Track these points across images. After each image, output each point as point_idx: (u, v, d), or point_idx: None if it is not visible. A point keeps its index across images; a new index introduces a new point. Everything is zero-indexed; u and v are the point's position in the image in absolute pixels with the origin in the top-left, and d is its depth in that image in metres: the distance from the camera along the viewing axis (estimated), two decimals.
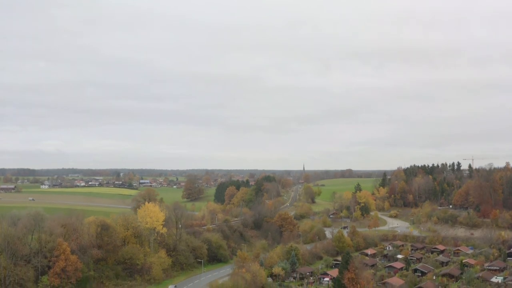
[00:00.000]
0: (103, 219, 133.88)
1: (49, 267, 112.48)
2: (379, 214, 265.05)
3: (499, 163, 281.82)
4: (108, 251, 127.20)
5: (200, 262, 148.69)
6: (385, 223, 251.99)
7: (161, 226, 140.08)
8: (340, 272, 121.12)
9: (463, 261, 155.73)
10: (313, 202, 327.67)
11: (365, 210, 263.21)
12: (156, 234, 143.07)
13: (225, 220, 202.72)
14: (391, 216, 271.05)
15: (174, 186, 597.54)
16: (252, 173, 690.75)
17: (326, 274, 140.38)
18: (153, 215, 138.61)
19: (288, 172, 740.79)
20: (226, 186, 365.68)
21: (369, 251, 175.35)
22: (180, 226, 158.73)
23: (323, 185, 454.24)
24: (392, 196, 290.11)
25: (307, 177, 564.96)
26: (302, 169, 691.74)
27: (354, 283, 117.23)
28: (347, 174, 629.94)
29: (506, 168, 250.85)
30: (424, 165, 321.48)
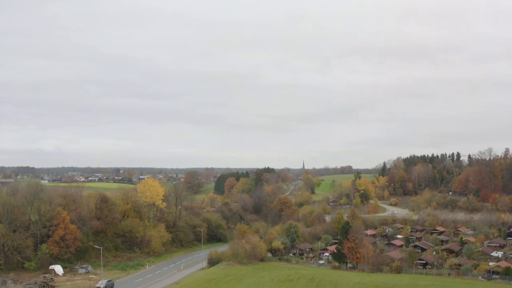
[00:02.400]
0: (103, 192, 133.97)
1: (48, 236, 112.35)
2: (379, 203, 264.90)
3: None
4: (108, 223, 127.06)
5: (200, 240, 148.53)
6: (384, 210, 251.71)
7: (161, 200, 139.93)
8: (340, 242, 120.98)
9: (463, 239, 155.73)
10: (313, 192, 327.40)
11: (364, 197, 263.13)
12: (155, 209, 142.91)
13: (224, 203, 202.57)
14: (390, 204, 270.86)
15: (174, 182, 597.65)
16: (251, 171, 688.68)
17: (325, 250, 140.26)
18: (153, 190, 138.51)
19: (287, 170, 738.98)
20: (226, 177, 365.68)
21: (369, 232, 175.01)
22: (180, 205, 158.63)
23: (323, 180, 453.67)
24: (392, 185, 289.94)
25: (307, 173, 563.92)
26: (301, 167, 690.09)
27: (354, 253, 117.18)
28: (346, 170, 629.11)
29: (506, 154, 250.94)
30: (424, 155, 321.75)
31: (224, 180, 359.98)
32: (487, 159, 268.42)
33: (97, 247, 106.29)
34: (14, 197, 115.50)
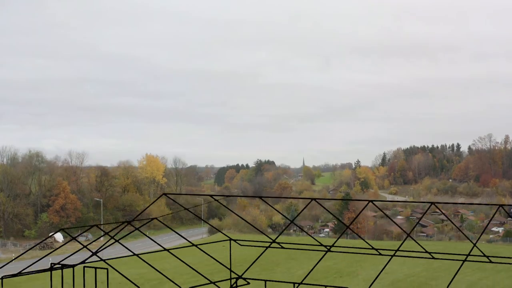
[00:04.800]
0: (103, 166, 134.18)
1: (49, 206, 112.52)
2: (379, 192, 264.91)
3: None
4: (108, 196, 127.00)
5: (200, 219, 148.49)
6: (384, 199, 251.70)
7: (161, 176, 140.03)
8: (340, 213, 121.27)
9: (464, 217, 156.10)
10: (313, 184, 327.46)
11: (364, 185, 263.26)
12: (156, 185, 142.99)
13: (225, 187, 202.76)
14: (390, 193, 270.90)
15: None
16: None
17: (326, 226, 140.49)
18: (153, 165, 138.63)
19: (287, 168, 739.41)
20: (226, 170, 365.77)
21: (369, 213, 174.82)
22: (180, 184, 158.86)
23: (323, 176, 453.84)
24: (392, 174, 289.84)
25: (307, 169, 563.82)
26: (301, 166, 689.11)
27: (354, 223, 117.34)
28: (346, 167, 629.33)
29: (506, 141, 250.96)
30: (424, 146, 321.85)
31: (224, 172, 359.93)
32: (487, 145, 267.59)
33: (98, 198, 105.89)
34: (14, 168, 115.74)
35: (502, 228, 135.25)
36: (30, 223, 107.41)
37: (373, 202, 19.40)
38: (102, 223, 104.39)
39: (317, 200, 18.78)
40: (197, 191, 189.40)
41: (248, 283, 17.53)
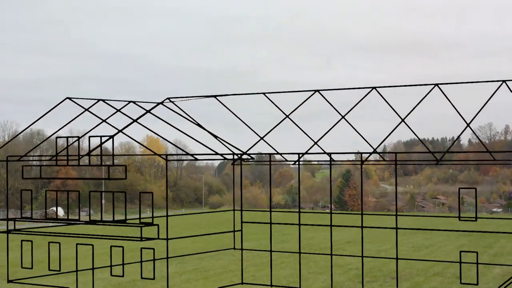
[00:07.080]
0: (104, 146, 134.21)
1: (49, 182, 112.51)
2: (380, 184, 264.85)
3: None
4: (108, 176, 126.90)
5: (201, 203, 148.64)
6: (385, 190, 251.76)
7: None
8: (341, 190, 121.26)
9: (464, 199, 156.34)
10: (313, 176, 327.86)
11: (365, 175, 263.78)
12: (156, 167, 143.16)
13: (225, 173, 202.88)
14: (391, 185, 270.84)
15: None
16: None
17: (326, 207, 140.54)
18: (153, 146, 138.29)
19: (288, 166, 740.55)
20: (226, 164, 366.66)
21: (370, 199, 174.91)
22: (181, 167, 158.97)
23: (322, 171, 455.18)
24: (392, 166, 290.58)
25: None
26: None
27: (355, 199, 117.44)
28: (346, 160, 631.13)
29: (506, 131, 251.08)
30: (424, 139, 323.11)
31: (224, 166, 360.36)
32: (487, 134, 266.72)
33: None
34: (15, 144, 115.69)
35: (501, 209, 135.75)
36: (30, 199, 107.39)
37: (376, 89, 19.36)
38: None
39: (320, 91, 18.74)
40: (198, 178, 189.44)
41: (253, 158, 17.42)
